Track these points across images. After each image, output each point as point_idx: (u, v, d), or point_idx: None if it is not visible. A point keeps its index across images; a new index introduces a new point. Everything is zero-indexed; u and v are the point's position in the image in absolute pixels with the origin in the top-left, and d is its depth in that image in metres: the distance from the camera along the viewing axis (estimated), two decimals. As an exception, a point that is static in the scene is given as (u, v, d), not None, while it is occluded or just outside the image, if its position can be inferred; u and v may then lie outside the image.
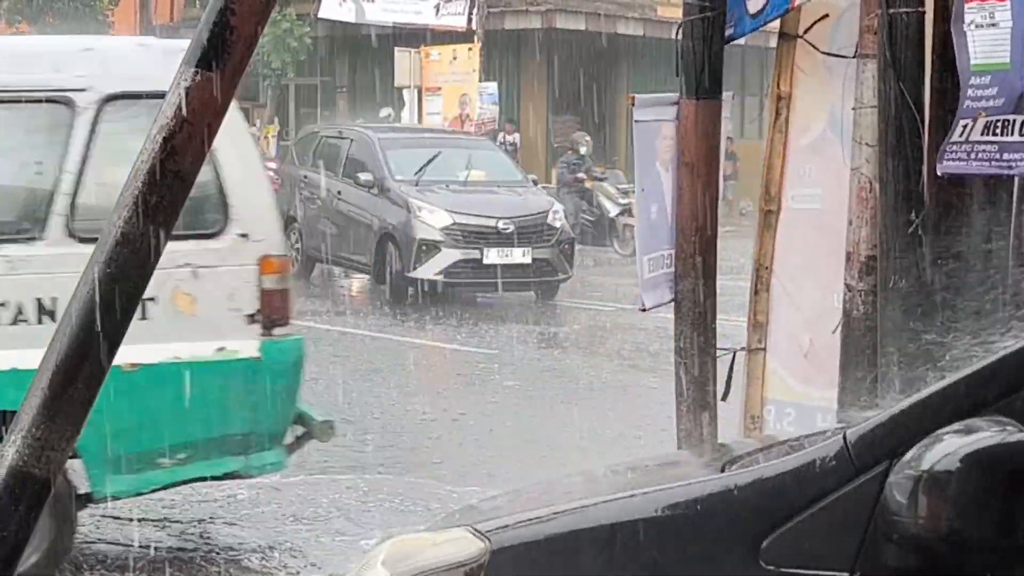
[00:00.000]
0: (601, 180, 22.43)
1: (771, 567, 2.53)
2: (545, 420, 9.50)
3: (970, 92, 3.89)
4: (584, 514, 2.80)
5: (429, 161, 15.81)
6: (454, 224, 14.90)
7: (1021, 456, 2.32)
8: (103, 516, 6.89)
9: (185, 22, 33.14)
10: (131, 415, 5.60)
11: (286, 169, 19.00)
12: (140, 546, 6.57)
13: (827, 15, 5.04)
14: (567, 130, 30.74)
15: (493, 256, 14.89)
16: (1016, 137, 3.79)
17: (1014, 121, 3.80)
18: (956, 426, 2.38)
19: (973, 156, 3.90)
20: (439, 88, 24.81)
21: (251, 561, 6.41)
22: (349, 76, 32.27)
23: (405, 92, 25.11)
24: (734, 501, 2.62)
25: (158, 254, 2.20)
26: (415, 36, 26.57)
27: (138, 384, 5.59)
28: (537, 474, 7.49)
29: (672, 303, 5.21)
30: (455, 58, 24.85)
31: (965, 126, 3.91)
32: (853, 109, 4.52)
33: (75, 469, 5.68)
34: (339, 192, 16.25)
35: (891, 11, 4.15)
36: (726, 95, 5.19)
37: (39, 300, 5.73)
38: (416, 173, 15.62)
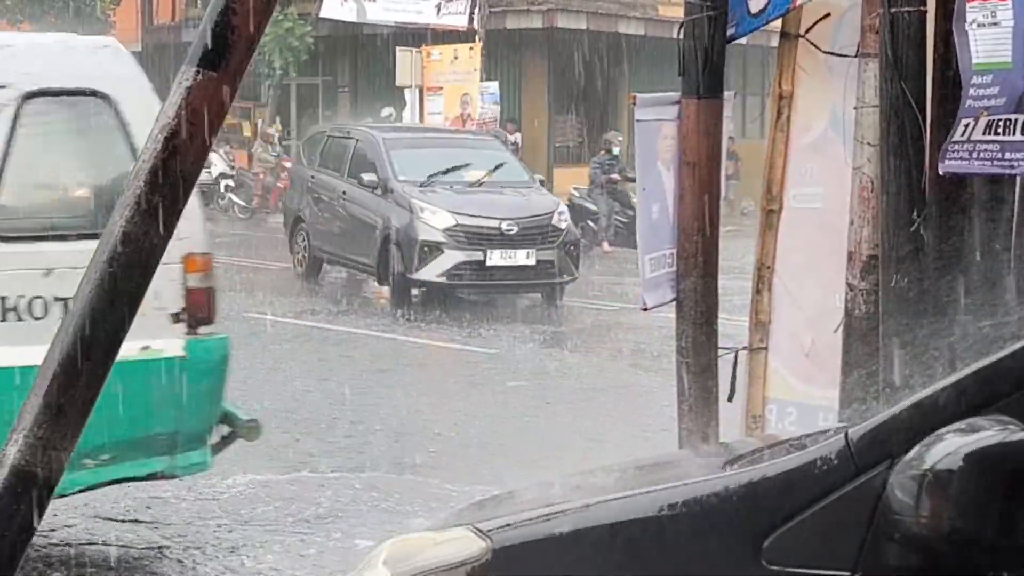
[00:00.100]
0: (635, 180, 22.12)
1: (773, 566, 2.53)
2: (547, 419, 9.51)
3: (972, 91, 3.88)
4: (586, 513, 2.80)
5: (445, 171, 15.61)
6: (456, 225, 14.75)
7: (1023, 455, 2.32)
8: (94, 517, 6.88)
9: (187, 21, 33.15)
10: None
11: (294, 169, 18.99)
12: (133, 547, 6.56)
13: (828, 14, 5.04)
14: (568, 129, 30.76)
15: (496, 258, 14.74)
16: (1018, 136, 3.79)
17: (1016, 120, 3.80)
18: (958, 425, 2.38)
19: (975, 156, 3.90)
20: (440, 88, 24.80)
21: (249, 560, 6.40)
22: (351, 76, 32.28)
23: (406, 92, 25.10)
24: (736, 500, 2.62)
25: (160, 253, 2.20)
26: (417, 35, 26.58)
27: None
28: (539, 473, 7.50)
29: (674, 303, 5.21)
30: (456, 58, 24.84)
31: (967, 125, 3.91)
32: (855, 108, 4.52)
33: None
34: (344, 192, 16.15)
35: (893, 10, 4.15)
36: (728, 94, 5.19)
37: None
38: (429, 178, 15.44)
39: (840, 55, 4.91)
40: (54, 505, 5.62)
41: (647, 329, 12.54)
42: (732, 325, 5.91)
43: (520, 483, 4.64)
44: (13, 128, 5.76)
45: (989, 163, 3.87)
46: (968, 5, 3.88)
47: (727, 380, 5.37)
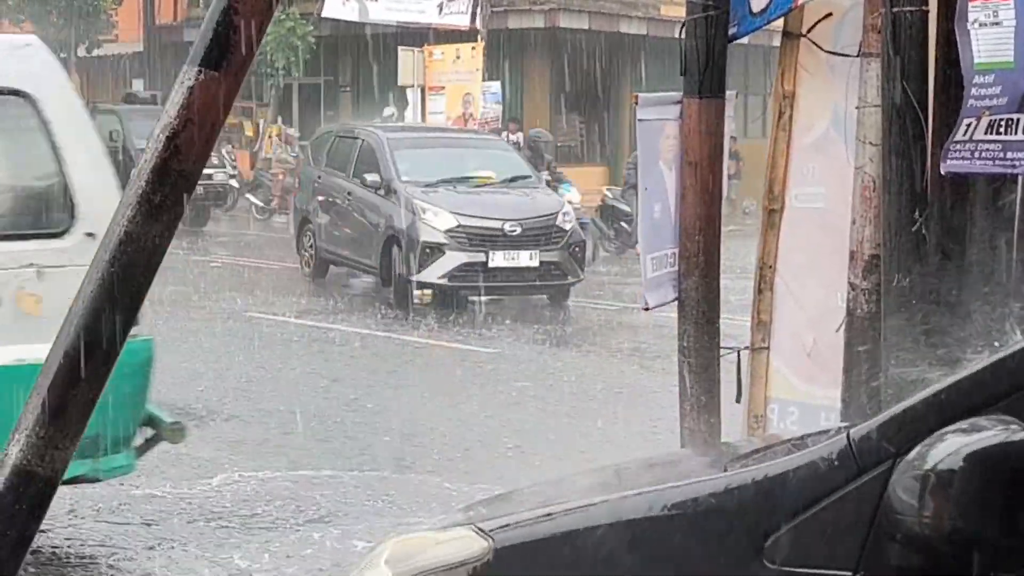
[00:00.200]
0: None
1: (775, 566, 2.53)
2: (551, 418, 9.50)
3: (974, 91, 3.88)
4: (587, 513, 2.80)
5: (451, 180, 15.45)
6: (459, 226, 14.58)
7: (1025, 455, 2.32)
8: (85, 516, 6.86)
9: (189, 21, 33.15)
10: None
11: (302, 169, 18.93)
12: (126, 547, 6.55)
13: (830, 14, 5.03)
14: (570, 129, 30.76)
15: (499, 259, 14.54)
16: (1020, 136, 3.79)
17: (1018, 120, 3.80)
18: (960, 425, 2.38)
19: (977, 155, 3.90)
20: (442, 87, 24.79)
21: (246, 561, 6.39)
22: (352, 75, 32.28)
23: (408, 91, 25.10)
24: (738, 500, 2.62)
25: (162, 252, 2.20)
26: (419, 35, 26.58)
27: None
28: (540, 473, 7.50)
29: (676, 302, 5.21)
30: (458, 57, 24.84)
31: (969, 125, 3.91)
32: (857, 108, 4.52)
33: None
34: (349, 193, 16.03)
35: (895, 10, 4.15)
36: (729, 94, 5.19)
37: None
38: (438, 182, 15.31)
39: (842, 55, 4.91)
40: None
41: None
42: (734, 325, 5.91)
43: (522, 482, 4.64)
44: None
45: (991, 163, 3.87)
46: (970, 5, 3.88)
47: (729, 380, 5.37)
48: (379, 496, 7.43)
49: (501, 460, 8.33)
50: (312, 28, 29.11)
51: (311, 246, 16.96)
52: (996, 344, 2.63)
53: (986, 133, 3.87)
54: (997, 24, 3.84)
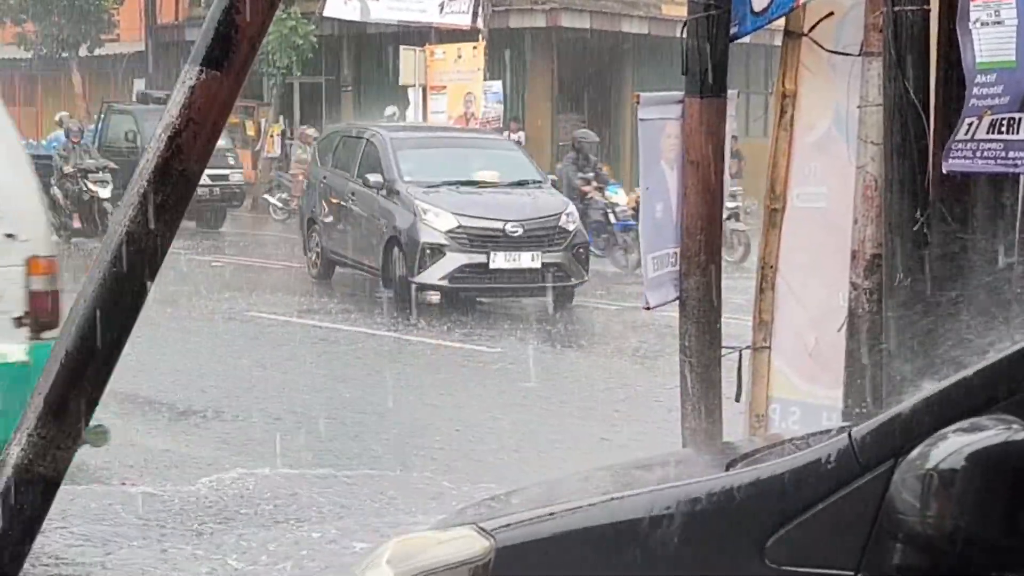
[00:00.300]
0: None
1: (776, 566, 2.53)
2: (552, 418, 9.50)
3: (975, 90, 3.88)
4: (589, 513, 2.80)
5: (453, 180, 15.30)
6: (459, 227, 14.41)
7: (1026, 455, 2.32)
8: (81, 516, 6.85)
9: (190, 21, 33.16)
10: None
11: (310, 170, 18.84)
12: (121, 545, 6.54)
13: (832, 13, 5.03)
14: (572, 128, 30.74)
15: (500, 260, 14.36)
16: (1021, 135, 3.78)
17: (1019, 119, 3.79)
18: (961, 425, 2.38)
19: (978, 154, 3.90)
20: (444, 87, 24.80)
21: (242, 561, 6.39)
22: (354, 74, 32.28)
23: (410, 91, 25.10)
24: (739, 500, 2.62)
25: (164, 252, 2.20)
26: (420, 34, 26.58)
27: None
28: (542, 473, 7.50)
29: (677, 302, 5.21)
30: (460, 56, 24.84)
31: (970, 124, 3.91)
32: (858, 107, 4.51)
33: None
34: (353, 193, 15.91)
35: (896, 9, 4.15)
36: (731, 93, 5.19)
37: None
38: (439, 183, 15.17)
39: (844, 54, 4.91)
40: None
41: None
42: (736, 324, 5.91)
43: (524, 481, 4.64)
44: None
45: (993, 162, 3.87)
46: (972, 4, 3.88)
47: (730, 379, 5.37)
48: (380, 496, 7.43)
49: (502, 460, 8.33)
50: (314, 27, 29.10)
51: (317, 247, 16.85)
52: (997, 344, 2.63)
53: (988, 132, 3.87)
54: (999, 23, 3.84)
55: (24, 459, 2.14)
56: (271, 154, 29.58)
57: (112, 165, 21.06)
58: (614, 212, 18.62)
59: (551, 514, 2.83)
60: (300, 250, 18.08)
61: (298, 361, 11.57)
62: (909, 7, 4.13)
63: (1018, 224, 4.14)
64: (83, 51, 34.37)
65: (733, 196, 19.26)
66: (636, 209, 20.21)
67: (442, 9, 25.94)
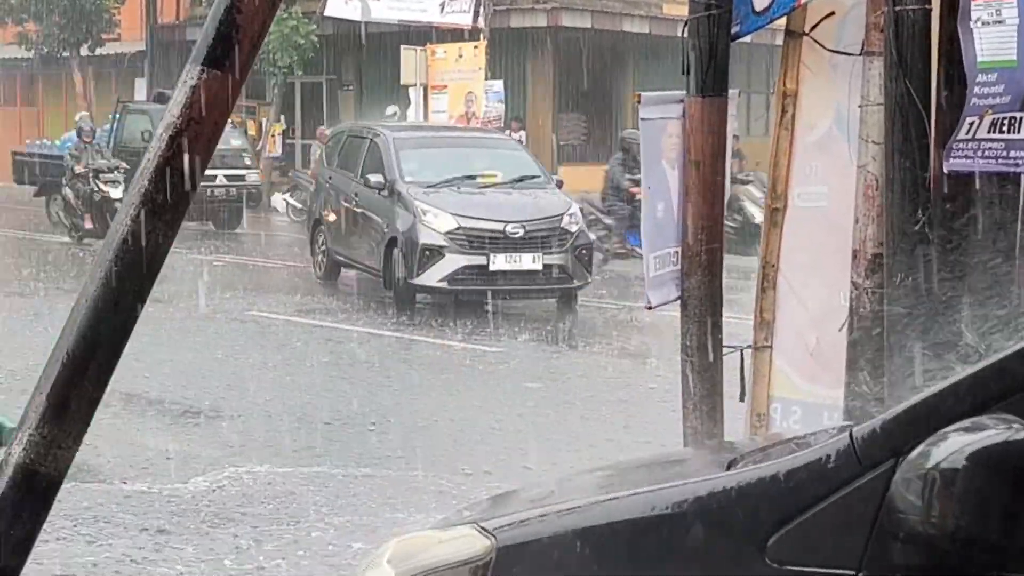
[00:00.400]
0: (745, 183, 19.79)
1: (777, 565, 2.53)
2: (553, 417, 9.50)
3: (977, 89, 3.88)
4: (590, 512, 2.80)
5: (454, 180, 15.17)
6: (459, 228, 14.25)
7: (1028, 454, 2.32)
8: (78, 516, 6.85)
9: (191, 20, 33.16)
10: None
11: (316, 170, 18.76)
12: (115, 546, 6.54)
13: (833, 12, 5.03)
14: (573, 128, 30.75)
15: (500, 262, 14.19)
16: (1022, 135, 3.78)
17: (1021, 119, 3.79)
18: (962, 424, 2.38)
19: (979, 154, 3.90)
20: (445, 86, 24.79)
21: (238, 561, 6.39)
22: (355, 74, 32.28)
23: (411, 90, 25.09)
24: (740, 499, 2.62)
25: (165, 251, 2.20)
26: (421, 34, 26.59)
27: None
28: (544, 472, 7.50)
29: (678, 301, 5.21)
30: (461, 56, 24.84)
31: (972, 124, 3.91)
32: (859, 107, 4.51)
33: None
34: (356, 194, 15.77)
35: (897, 8, 4.15)
36: (732, 93, 5.19)
37: None
38: (439, 183, 15.03)
39: (845, 53, 4.91)
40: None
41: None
42: (737, 324, 5.91)
43: (525, 481, 4.65)
44: None
45: (994, 161, 3.87)
46: (973, 3, 3.87)
47: (731, 379, 5.37)
48: (380, 495, 7.43)
49: (504, 460, 8.33)
50: (315, 27, 29.11)
51: (323, 248, 16.73)
52: (998, 343, 2.63)
53: (989, 132, 3.87)
54: (1000, 22, 3.84)
55: (26, 459, 2.14)
56: (272, 154, 29.58)
57: (124, 165, 21.00)
58: None
59: (552, 514, 2.83)
60: (306, 250, 18.02)
61: (299, 361, 11.58)
62: (910, 6, 4.13)
63: (1019, 223, 4.14)
64: (84, 51, 34.37)
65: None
66: None
67: (443, 8, 25.93)
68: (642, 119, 5.20)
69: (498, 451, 8.56)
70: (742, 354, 5.42)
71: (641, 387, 10.60)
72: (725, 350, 5.19)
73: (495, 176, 15.50)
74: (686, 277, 5.12)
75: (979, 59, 3.87)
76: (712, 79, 4.98)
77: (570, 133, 30.75)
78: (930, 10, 4.15)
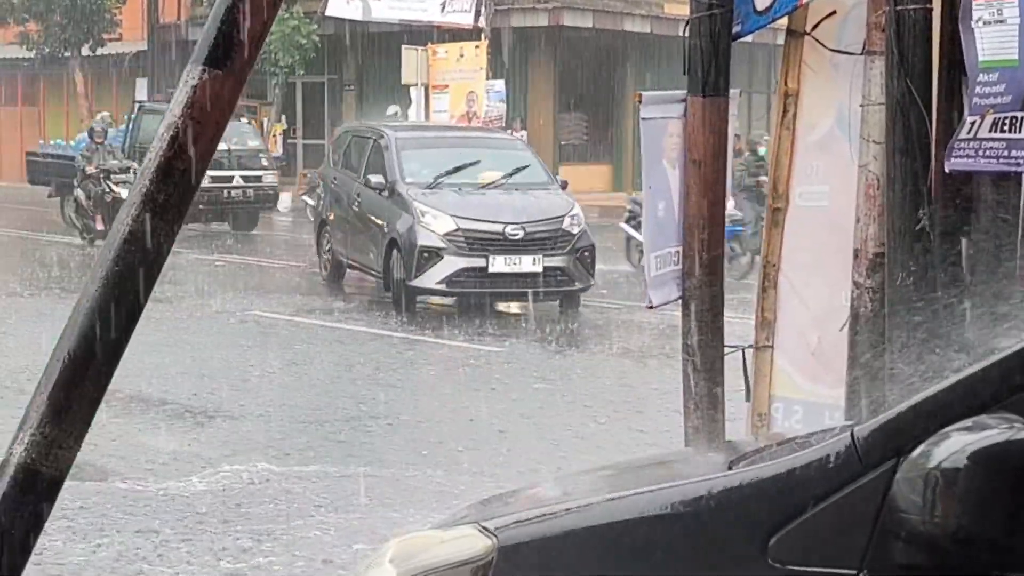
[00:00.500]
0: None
1: (779, 564, 2.53)
2: (557, 417, 9.50)
3: (978, 89, 3.88)
4: (591, 512, 2.80)
5: (450, 171, 15.01)
6: (458, 230, 14.05)
7: (1029, 453, 2.32)
8: (63, 516, 6.84)
9: (192, 20, 33.18)
10: None
11: (322, 170, 18.65)
12: (113, 545, 6.53)
13: (834, 12, 5.03)
14: (574, 127, 30.76)
15: (499, 264, 13.98)
16: (1024, 134, 3.78)
17: (1022, 118, 3.79)
18: (964, 423, 2.38)
19: (981, 153, 3.90)
20: (446, 86, 24.81)
21: (246, 557, 6.38)
22: (356, 74, 32.31)
23: (412, 90, 25.11)
24: (741, 499, 2.62)
25: (166, 251, 2.20)
26: (422, 34, 26.60)
27: None
28: (546, 472, 7.50)
29: (679, 301, 5.21)
30: (462, 56, 24.86)
31: (973, 123, 3.91)
32: (861, 106, 4.51)
33: None
34: (359, 195, 15.63)
35: (899, 8, 4.15)
36: (733, 92, 5.19)
37: None
38: (436, 179, 14.85)
39: (846, 53, 4.91)
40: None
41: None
42: (738, 323, 5.91)
43: (527, 480, 4.65)
44: None
45: (995, 161, 3.87)
46: (974, 3, 3.87)
47: (733, 379, 5.36)
48: (381, 495, 7.43)
49: (506, 459, 8.32)
50: (316, 27, 29.13)
51: (328, 249, 16.60)
52: (1000, 342, 2.63)
53: (990, 131, 3.87)
54: (1001, 22, 3.84)
55: (27, 458, 2.14)
56: (274, 154, 29.59)
57: (135, 166, 20.92)
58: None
59: (553, 513, 2.83)
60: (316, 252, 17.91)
61: (301, 360, 11.58)
62: (911, 6, 4.13)
63: (1020, 222, 4.14)
64: (85, 51, 34.40)
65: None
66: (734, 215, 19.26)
67: (443, 8, 25.95)
68: (643, 119, 5.20)
69: (501, 451, 8.56)
70: (744, 354, 5.42)
71: (644, 387, 10.60)
72: (726, 350, 5.19)
73: (497, 177, 15.25)
74: (687, 277, 5.12)
75: (980, 59, 3.87)
76: (713, 79, 4.98)
77: (571, 133, 30.77)
78: (931, 10, 4.15)
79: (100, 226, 20.31)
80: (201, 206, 22.14)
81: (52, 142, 27.71)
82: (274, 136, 29.98)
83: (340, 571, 6.11)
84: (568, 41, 29.35)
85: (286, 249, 21.02)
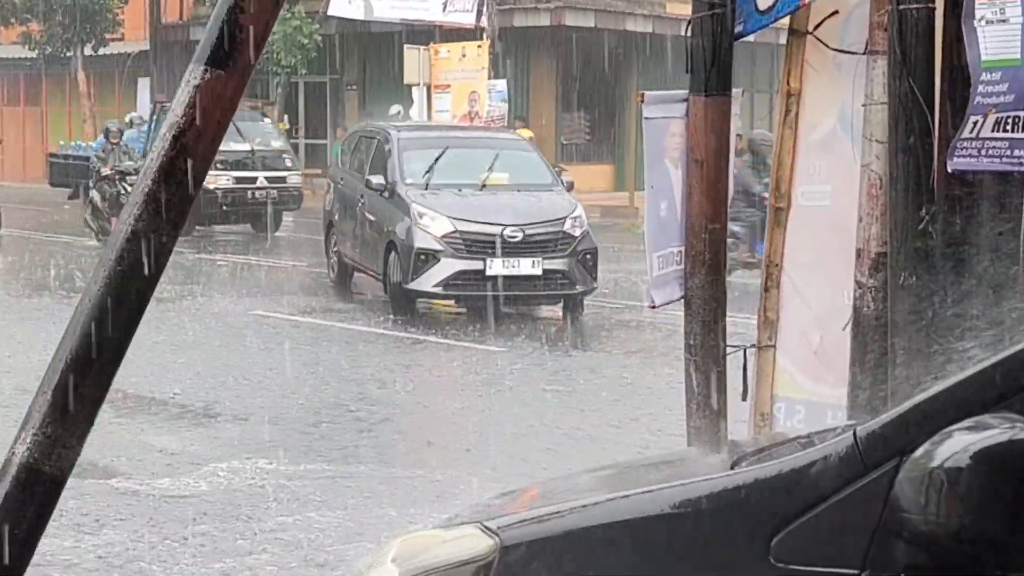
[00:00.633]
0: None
1: (781, 564, 2.53)
2: (558, 417, 9.50)
3: (980, 88, 3.88)
4: (594, 511, 2.80)
5: (436, 160, 14.85)
6: (455, 232, 13.81)
7: (1031, 453, 2.32)
8: (72, 515, 6.85)
9: (195, 20, 33.20)
10: None
11: (331, 171, 18.53)
12: (114, 545, 6.54)
13: (837, 11, 5.03)
14: (576, 127, 30.76)
15: (497, 267, 13.60)
16: (1026, 133, 3.78)
17: (1024, 117, 3.79)
18: (966, 423, 2.37)
19: (983, 153, 3.90)
20: (448, 85, 24.79)
21: (247, 556, 6.38)
22: (359, 73, 32.32)
23: (414, 89, 25.10)
24: (744, 499, 2.62)
25: (168, 251, 2.20)
26: (425, 33, 26.60)
27: None
28: (549, 471, 7.49)
29: (682, 300, 5.21)
30: (464, 55, 24.84)
31: (975, 123, 3.91)
32: (863, 106, 4.51)
33: None
34: (362, 196, 15.45)
35: (901, 7, 4.15)
36: (736, 92, 5.19)
37: None
38: (424, 175, 14.73)
39: (848, 52, 4.91)
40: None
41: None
42: (740, 323, 5.91)
43: (529, 480, 4.65)
44: None
45: (998, 160, 3.87)
46: (977, 2, 3.87)
47: (735, 378, 5.37)
48: (382, 494, 7.43)
49: (508, 459, 8.32)
50: (318, 26, 29.14)
51: (335, 250, 16.45)
52: (1002, 342, 2.62)
53: (993, 131, 3.86)
54: (1004, 21, 3.84)
55: (29, 458, 2.14)
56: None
57: None
58: None
59: (556, 513, 2.83)
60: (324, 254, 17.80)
61: (303, 361, 11.58)
62: (914, 5, 4.13)
63: (1023, 222, 4.14)
64: (88, 50, 34.42)
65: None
66: None
67: (445, 8, 25.94)
68: (645, 118, 5.20)
69: (503, 450, 8.56)
70: (745, 353, 5.42)
71: (647, 386, 10.60)
72: (729, 349, 5.19)
73: (498, 178, 15.08)
74: (689, 276, 5.12)
75: (983, 58, 3.87)
76: (715, 78, 4.98)
77: (573, 132, 30.76)
78: (934, 9, 4.15)
79: (115, 227, 20.11)
80: (225, 208, 22.07)
81: (72, 143, 27.59)
82: (276, 136, 29.95)
83: (341, 571, 6.11)
84: (570, 41, 29.35)
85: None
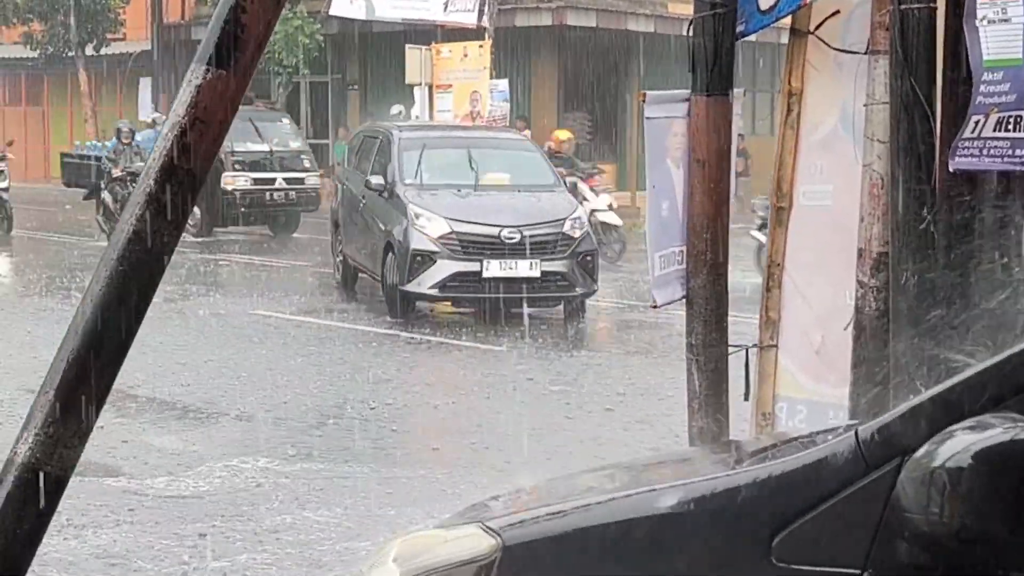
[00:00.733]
0: None
1: (783, 564, 2.53)
2: (560, 416, 9.50)
3: (982, 88, 3.88)
4: (595, 511, 2.80)
5: (419, 158, 14.71)
6: (451, 233, 13.69)
7: (1033, 453, 2.32)
8: (71, 515, 6.85)
9: (196, 20, 33.20)
10: None
11: (337, 172, 18.47)
12: (114, 545, 6.54)
13: (838, 11, 5.03)
14: (577, 127, 30.73)
15: (494, 268, 13.46)
16: (1028, 133, 3.78)
17: (1026, 117, 3.79)
18: (968, 423, 2.37)
19: (985, 152, 3.90)
20: (450, 85, 24.78)
21: (248, 555, 6.39)
22: (360, 73, 32.31)
23: (416, 89, 25.10)
24: (746, 498, 2.62)
25: (170, 251, 2.20)
26: (426, 33, 26.60)
27: None
28: (550, 471, 7.50)
29: (684, 300, 5.21)
30: (466, 55, 24.84)
31: (977, 122, 3.91)
32: (865, 105, 4.51)
33: None
34: (364, 197, 15.35)
35: (903, 7, 4.15)
36: (737, 92, 5.19)
37: None
38: (415, 174, 14.60)
39: (850, 52, 4.91)
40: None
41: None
42: (742, 323, 5.91)
43: (531, 479, 4.64)
44: None
45: (999, 160, 3.87)
46: (979, 2, 3.87)
47: (737, 378, 5.37)
48: (384, 494, 7.43)
49: (509, 459, 8.33)
50: (319, 26, 29.14)
51: (340, 252, 16.37)
52: (1003, 342, 2.62)
53: (995, 130, 3.86)
54: (1006, 21, 3.84)
55: (32, 457, 2.14)
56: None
57: None
58: None
59: (558, 512, 2.83)
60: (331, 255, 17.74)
61: (305, 361, 11.58)
62: (916, 5, 4.13)
63: None
64: (89, 50, 34.42)
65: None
66: None
67: (446, 7, 25.93)
68: (647, 118, 5.20)
69: (503, 450, 8.56)
70: (747, 353, 5.42)
71: (649, 386, 10.60)
72: (730, 349, 5.19)
73: (499, 178, 14.98)
74: (691, 276, 5.12)
75: (985, 57, 3.87)
76: (717, 78, 4.98)
77: (574, 132, 30.72)
78: (935, 9, 4.15)
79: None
80: (244, 209, 22.03)
81: (88, 143, 27.49)
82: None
83: (341, 571, 6.11)
84: (572, 41, 29.34)
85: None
